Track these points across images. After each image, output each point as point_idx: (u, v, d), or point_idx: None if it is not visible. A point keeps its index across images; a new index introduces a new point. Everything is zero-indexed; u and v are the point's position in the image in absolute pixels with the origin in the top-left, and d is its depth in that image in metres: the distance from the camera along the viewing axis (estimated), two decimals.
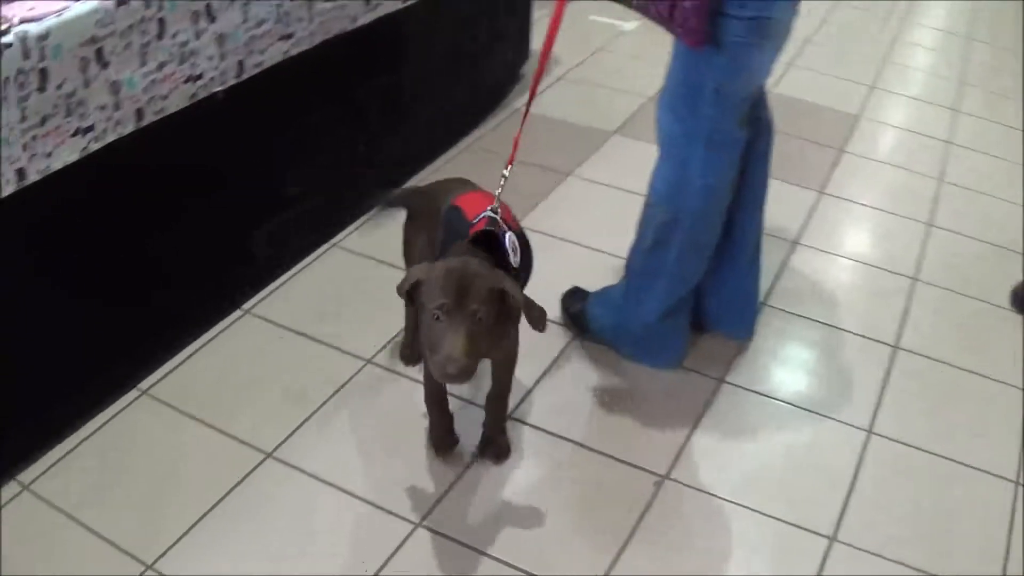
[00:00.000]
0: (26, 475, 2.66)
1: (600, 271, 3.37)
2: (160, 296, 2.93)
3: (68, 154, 2.47)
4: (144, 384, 2.95)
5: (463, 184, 2.73)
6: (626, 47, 5.23)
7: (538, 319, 2.31)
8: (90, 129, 2.50)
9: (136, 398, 2.91)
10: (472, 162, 4.00)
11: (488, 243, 2.42)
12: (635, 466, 2.79)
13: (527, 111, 2.64)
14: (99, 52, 2.45)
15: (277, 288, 3.36)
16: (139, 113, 2.61)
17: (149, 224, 2.81)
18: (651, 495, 2.71)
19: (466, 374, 2.15)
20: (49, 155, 2.42)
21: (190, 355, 3.06)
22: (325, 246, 3.57)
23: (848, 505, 2.73)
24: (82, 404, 2.83)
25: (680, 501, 2.71)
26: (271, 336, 3.16)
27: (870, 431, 2.97)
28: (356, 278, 3.42)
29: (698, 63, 2.59)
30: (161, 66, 2.63)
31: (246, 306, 3.26)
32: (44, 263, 2.57)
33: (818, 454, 2.90)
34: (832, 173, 4.32)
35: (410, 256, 2.79)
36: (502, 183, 2.55)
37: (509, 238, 2.43)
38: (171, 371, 3.00)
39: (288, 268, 3.44)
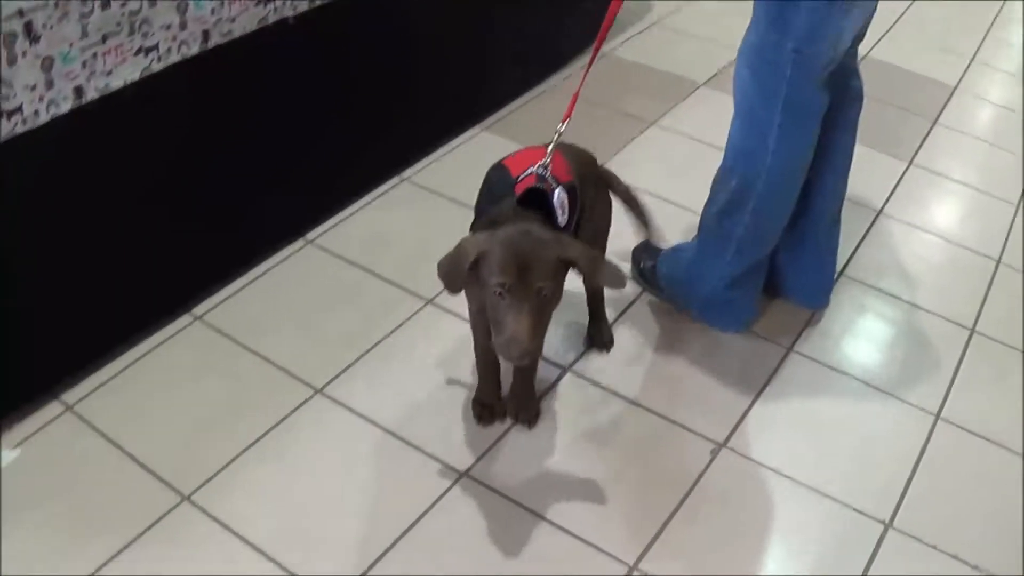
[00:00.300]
0: (70, 395, 2.63)
1: (676, 225, 3.27)
2: (220, 222, 2.88)
3: (129, 73, 2.41)
4: (199, 310, 2.91)
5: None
6: None
7: (615, 278, 2.22)
8: (153, 48, 2.44)
9: (189, 324, 2.87)
10: (553, 107, 3.88)
11: (538, 201, 2.30)
12: (692, 431, 2.71)
13: (588, 67, 2.55)
14: None
15: (342, 220, 3.30)
16: (206, 35, 2.54)
17: (209, 148, 2.75)
18: (706, 463, 2.63)
19: (531, 355, 2.08)
20: (109, 73, 2.37)
21: (248, 283, 3.02)
22: (394, 179, 3.49)
23: (908, 492, 2.63)
24: (134, 326, 2.80)
25: (735, 471, 2.62)
26: (331, 268, 3.10)
27: (938, 416, 2.85)
28: (424, 215, 3.34)
29: (778, 21, 2.47)
30: None
31: (309, 236, 3.19)
32: (103, 181, 2.52)
33: (882, 435, 2.79)
34: (923, 144, 4.14)
35: None
36: (555, 138, 2.45)
37: (558, 195, 2.32)
38: (226, 298, 2.96)
39: (355, 200, 3.37)
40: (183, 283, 2.91)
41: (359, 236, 3.23)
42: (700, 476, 2.59)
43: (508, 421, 2.67)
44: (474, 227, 2.40)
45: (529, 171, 2.34)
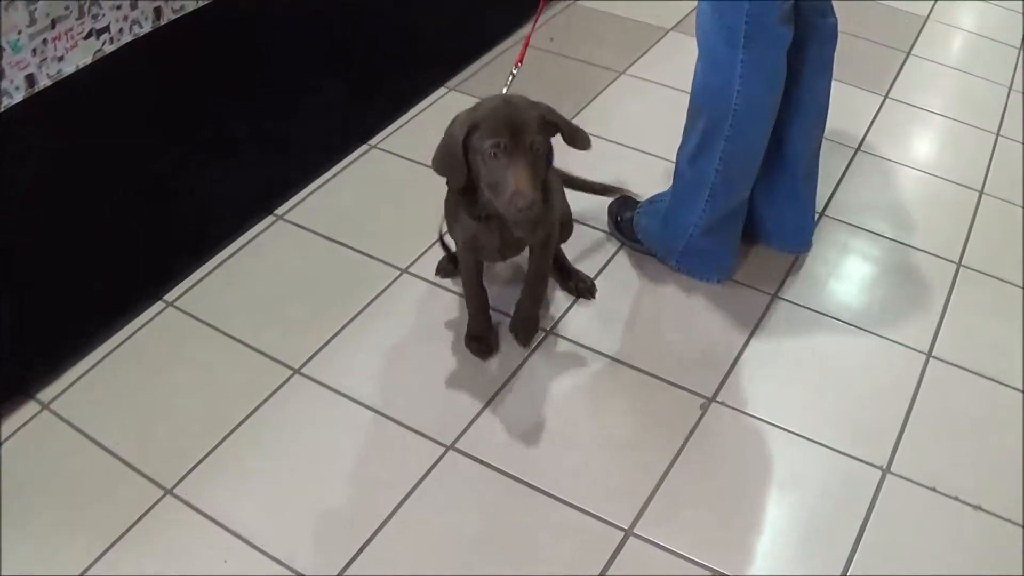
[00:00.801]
0: (45, 393, 2.57)
1: (652, 177, 3.22)
2: (185, 203, 2.81)
3: (81, 57, 2.33)
4: (170, 296, 2.84)
5: None
6: None
7: (584, 139, 2.31)
8: (105, 30, 2.36)
9: (161, 311, 2.81)
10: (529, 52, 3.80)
11: None
12: (680, 387, 2.65)
13: (539, 11, 2.56)
14: None
15: (312, 192, 3.22)
16: (157, 12, 2.46)
17: (169, 127, 2.68)
18: (697, 418, 2.58)
19: (536, 206, 2.14)
20: (61, 59, 2.29)
21: (218, 264, 2.95)
22: (363, 147, 3.42)
23: (903, 435, 2.58)
24: (106, 317, 2.73)
25: (727, 425, 2.58)
26: (302, 243, 3.04)
27: (930, 354, 2.81)
28: (395, 180, 3.28)
29: None
30: None
31: (279, 211, 3.12)
32: (62, 170, 2.45)
33: (875, 378, 2.75)
34: (898, 77, 4.08)
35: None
36: (509, 81, 2.48)
37: None
38: (198, 282, 2.89)
39: (324, 170, 3.30)
40: (153, 269, 2.85)
41: (329, 208, 3.16)
42: (691, 432, 2.54)
43: (495, 386, 2.62)
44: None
45: None
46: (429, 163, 2.30)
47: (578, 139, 2.31)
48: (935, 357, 2.80)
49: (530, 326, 2.73)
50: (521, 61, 2.54)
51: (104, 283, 2.69)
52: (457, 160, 2.23)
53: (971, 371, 2.77)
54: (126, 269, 2.76)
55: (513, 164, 2.15)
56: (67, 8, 2.23)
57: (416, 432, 2.50)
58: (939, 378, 2.74)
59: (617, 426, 2.56)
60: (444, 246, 2.82)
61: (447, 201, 2.53)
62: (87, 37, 2.33)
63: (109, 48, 2.39)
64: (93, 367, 2.64)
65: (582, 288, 2.89)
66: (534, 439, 2.51)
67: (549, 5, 4.11)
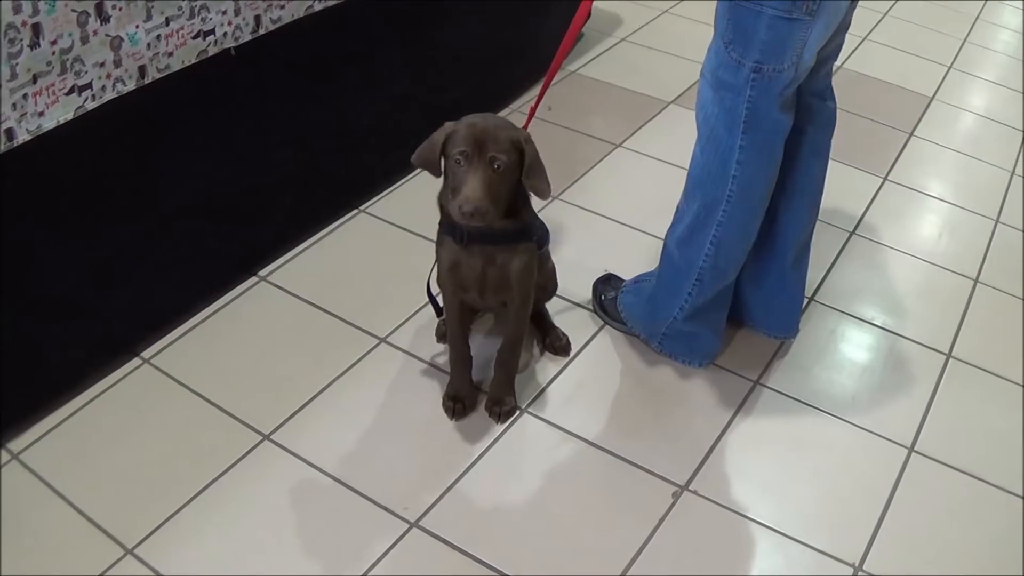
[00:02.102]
0: (16, 444, 2.56)
1: (640, 254, 3.19)
2: (168, 260, 2.80)
3: (62, 113, 2.32)
4: (146, 353, 2.82)
5: None
6: (694, 11, 4.96)
7: (543, 188, 2.42)
8: (87, 87, 2.34)
9: (136, 367, 2.79)
10: (522, 121, 3.78)
11: None
12: (653, 473, 2.61)
13: (547, 81, 2.61)
14: (99, 6, 2.28)
15: (297, 255, 3.21)
16: (142, 70, 2.45)
17: (151, 185, 2.66)
18: (667, 507, 2.53)
19: (481, 214, 2.27)
20: (41, 114, 2.27)
21: (198, 322, 2.93)
22: (352, 212, 3.40)
23: (879, 531, 2.54)
24: (80, 370, 2.72)
25: (699, 516, 2.53)
26: (283, 306, 3.02)
27: (912, 448, 2.77)
28: (381, 247, 3.26)
29: (737, 40, 2.38)
30: (168, 21, 2.46)
31: (262, 272, 3.10)
32: (41, 225, 2.44)
33: (854, 471, 2.70)
34: (899, 158, 4.06)
35: None
36: None
37: None
38: (175, 340, 2.87)
39: (311, 233, 3.29)
40: (130, 325, 2.82)
41: (313, 272, 3.14)
42: (660, 521, 2.50)
43: (467, 462, 2.59)
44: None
45: None
46: (415, 230, 2.28)
47: (538, 182, 2.42)
48: (917, 452, 2.76)
49: (506, 409, 2.72)
50: (525, 128, 2.53)
51: (81, 338, 2.66)
52: (433, 158, 2.37)
53: (953, 467, 2.72)
54: (103, 324, 2.72)
55: (471, 171, 2.28)
56: (48, 64, 2.22)
57: (381, 507, 2.47)
58: (920, 473, 2.70)
59: (586, 511, 2.52)
60: (431, 295, 2.77)
61: (437, 234, 2.56)
62: (69, 93, 2.31)
63: (91, 105, 2.37)
64: (66, 419, 2.62)
65: (557, 346, 2.91)
66: (500, 521, 2.47)
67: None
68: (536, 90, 3.97)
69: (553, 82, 2.54)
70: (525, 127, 2.50)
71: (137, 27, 2.39)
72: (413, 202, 3.39)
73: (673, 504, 2.53)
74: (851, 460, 2.73)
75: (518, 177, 2.38)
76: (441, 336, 2.91)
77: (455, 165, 2.32)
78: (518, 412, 2.73)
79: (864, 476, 2.69)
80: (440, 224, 2.53)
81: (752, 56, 2.37)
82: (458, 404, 2.69)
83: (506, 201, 2.39)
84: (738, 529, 2.50)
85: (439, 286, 2.66)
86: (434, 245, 2.56)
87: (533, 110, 2.63)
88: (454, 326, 2.65)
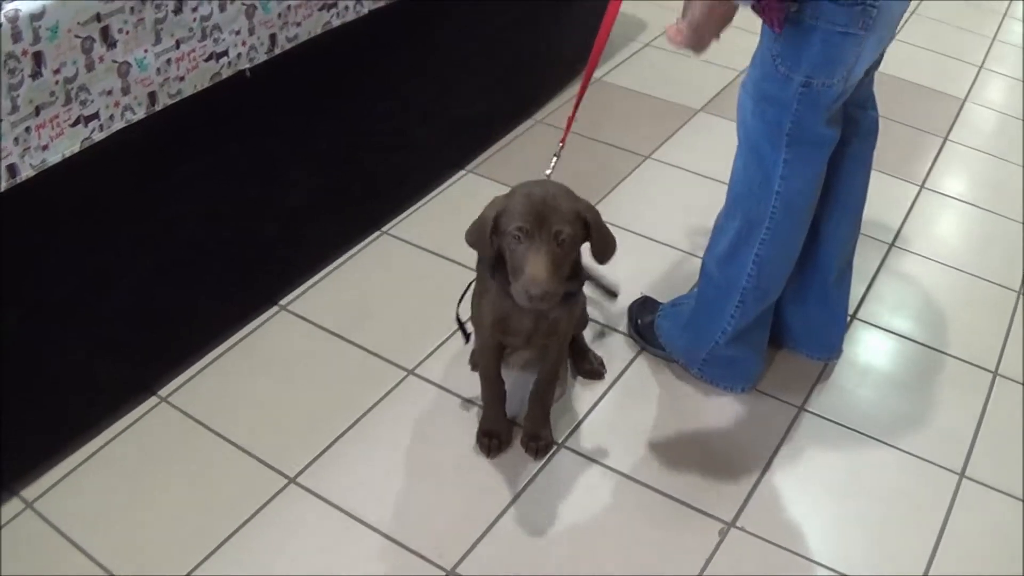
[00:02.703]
0: (29, 491, 2.44)
1: (676, 273, 3.09)
2: (183, 292, 2.69)
3: (68, 146, 2.20)
4: (163, 390, 2.71)
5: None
6: None
7: (610, 253, 2.26)
8: (94, 117, 2.22)
9: (154, 406, 2.67)
10: (534, 143, 3.67)
11: None
12: (698, 509, 2.49)
13: (577, 105, 2.44)
14: (104, 31, 2.16)
15: (318, 281, 3.08)
16: (152, 97, 2.33)
17: (166, 215, 2.55)
18: (714, 545, 2.41)
19: (549, 298, 2.08)
20: (45, 148, 2.15)
21: (216, 357, 2.81)
22: (374, 233, 3.27)
23: (932, 564, 2.41)
24: (96, 411, 2.60)
25: (748, 554, 2.40)
26: (305, 338, 2.89)
27: (962, 475, 2.64)
28: (405, 272, 3.13)
29: (786, 53, 2.25)
30: (178, 44, 2.33)
31: (282, 302, 2.98)
32: (52, 263, 2.33)
33: (904, 500, 2.58)
34: (935, 164, 3.92)
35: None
36: (553, 163, 2.39)
37: None
38: (193, 376, 2.75)
39: (332, 258, 3.15)
40: (146, 362, 2.70)
41: (336, 299, 3.01)
42: (708, 561, 2.37)
43: (502, 504, 2.46)
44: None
45: None
46: (441, 252, 2.13)
47: (606, 252, 2.25)
48: (968, 477, 2.63)
49: (543, 444, 2.59)
50: (563, 142, 2.44)
51: (94, 377, 2.57)
52: (484, 237, 2.18)
53: (1005, 492, 2.60)
54: (118, 363, 2.62)
55: (533, 249, 2.09)
56: (52, 94, 2.09)
57: (414, 553, 2.35)
58: (971, 500, 2.57)
59: (630, 553, 2.39)
60: (460, 323, 2.65)
61: (478, 279, 2.43)
62: (74, 124, 2.19)
63: (99, 136, 2.25)
64: (80, 464, 2.50)
65: (589, 370, 2.80)
66: (539, 566, 2.34)
67: (572, 80, 3.98)
68: (562, 97, 3.89)
69: (577, 91, 2.42)
70: (563, 141, 2.41)
71: (146, 51, 2.27)
72: (438, 222, 3.26)
73: (720, 542, 2.41)
74: (901, 489, 2.60)
75: (580, 247, 2.22)
76: (474, 365, 2.78)
77: (513, 242, 2.12)
78: (555, 447, 2.60)
79: (915, 506, 2.56)
80: (484, 267, 2.37)
81: (803, 71, 2.24)
82: (493, 440, 2.57)
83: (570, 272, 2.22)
84: (790, 567, 2.38)
85: (474, 326, 2.52)
86: (460, 267, 2.41)
87: (570, 121, 2.48)
88: (489, 364, 2.51)
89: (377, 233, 3.26)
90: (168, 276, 2.63)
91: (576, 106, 2.45)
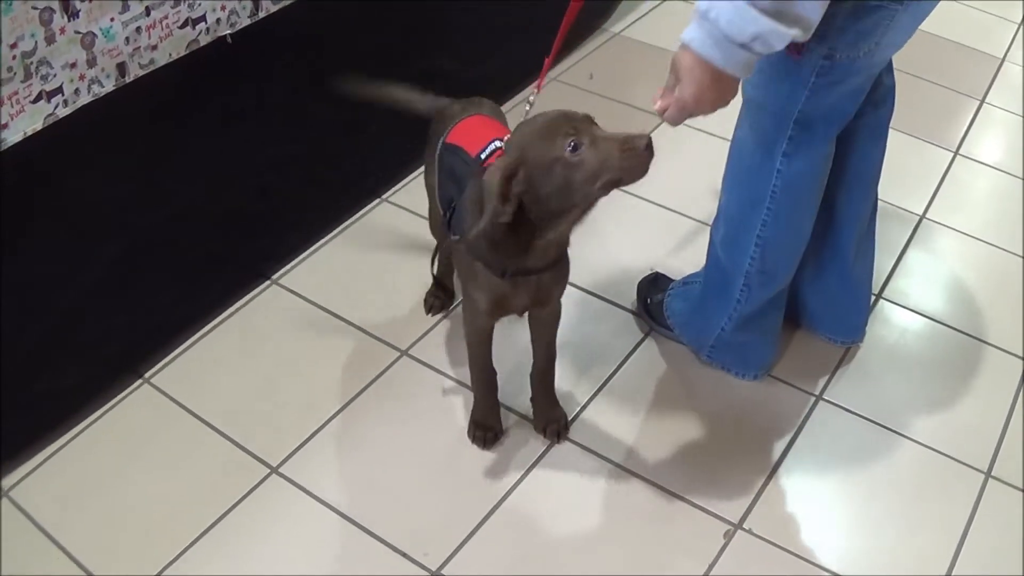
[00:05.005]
0: (7, 480, 2.35)
1: (693, 245, 2.92)
2: (169, 271, 2.57)
3: (29, 123, 2.06)
4: (148, 373, 2.59)
5: (466, 108, 2.37)
6: None
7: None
8: (57, 92, 2.08)
9: (138, 387, 2.56)
10: (561, 93, 3.49)
11: None
12: (703, 509, 2.35)
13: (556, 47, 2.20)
14: (64, 1, 2.02)
15: (313, 252, 2.94)
16: (121, 68, 2.18)
17: (143, 192, 2.43)
18: (719, 548, 2.27)
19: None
20: (5, 127, 2.02)
21: (203, 335, 2.68)
22: (373, 200, 3.12)
23: (955, 566, 2.27)
24: (79, 397, 2.51)
25: (754, 559, 2.26)
26: (295, 314, 2.76)
27: (989, 474, 2.48)
28: (403, 241, 2.98)
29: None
30: (149, 11, 2.19)
31: (275, 276, 2.84)
32: (29, 244, 2.22)
33: (926, 502, 2.42)
34: (970, 128, 3.72)
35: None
36: (527, 111, 2.13)
37: None
38: (179, 355, 2.64)
39: (330, 228, 3.01)
40: (132, 343, 2.61)
41: (330, 272, 2.88)
42: (711, 566, 2.23)
43: (492, 502, 2.33)
44: (450, 220, 2.20)
45: (496, 143, 2.14)
46: None
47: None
48: (994, 477, 2.47)
49: (563, 425, 2.47)
50: (539, 88, 2.23)
51: (76, 358, 2.50)
52: (493, 210, 1.92)
53: None
54: (101, 343, 2.54)
55: (600, 138, 1.91)
56: (10, 70, 1.96)
57: (398, 551, 2.23)
58: (997, 503, 2.42)
59: (628, 555, 2.26)
60: (436, 278, 2.54)
61: (460, 268, 2.29)
62: (36, 100, 2.05)
63: (64, 112, 2.12)
64: (58, 450, 2.40)
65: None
66: (532, 567, 2.22)
67: (588, 35, 3.79)
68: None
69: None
70: (539, 87, 2.21)
71: (112, 20, 2.13)
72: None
73: (725, 545, 2.28)
74: (923, 489, 2.45)
75: None
76: (430, 308, 2.74)
77: (572, 158, 1.89)
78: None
79: (938, 508, 2.41)
80: (472, 251, 2.18)
81: (825, 42, 2.03)
82: (489, 433, 2.44)
83: None
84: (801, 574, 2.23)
85: (467, 314, 2.33)
86: None
87: (547, 63, 2.23)
88: (483, 351, 2.35)
89: (377, 201, 3.11)
90: (147, 253, 2.53)
91: (556, 45, 2.22)
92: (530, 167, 1.91)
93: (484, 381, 2.40)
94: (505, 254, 2.05)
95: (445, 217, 2.23)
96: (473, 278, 2.19)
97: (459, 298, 2.72)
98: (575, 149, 1.89)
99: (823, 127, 2.22)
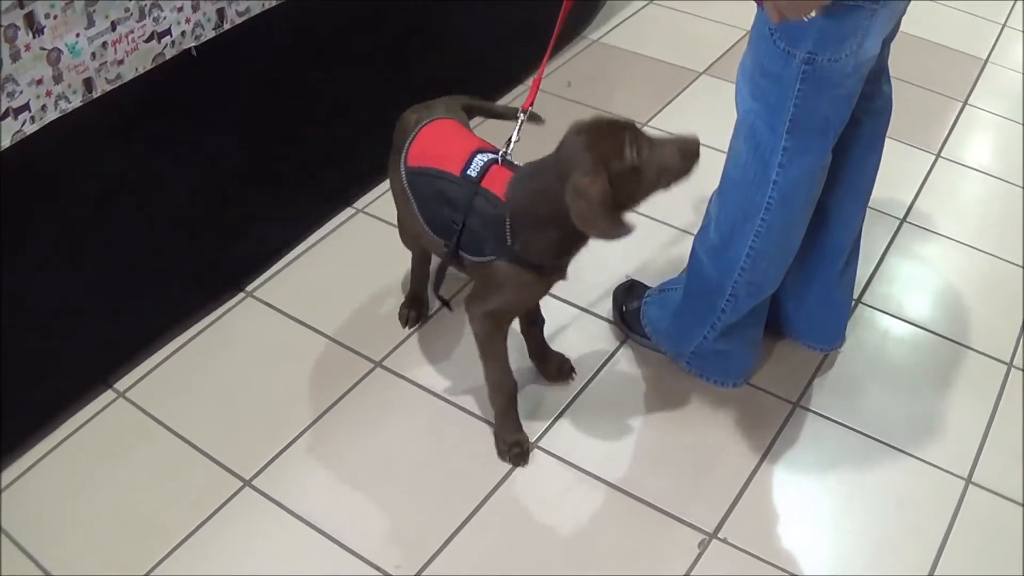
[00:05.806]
0: None
1: (668, 253, 2.92)
2: (140, 280, 2.56)
3: None
4: (121, 384, 2.58)
5: (421, 116, 2.38)
6: None
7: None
8: (24, 108, 2.07)
9: (112, 401, 2.54)
10: (539, 100, 3.47)
11: None
12: (677, 518, 2.33)
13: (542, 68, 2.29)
14: (29, 17, 2.01)
15: (290, 263, 2.93)
16: (88, 83, 2.17)
17: (117, 204, 2.41)
18: (692, 559, 2.25)
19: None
20: None
21: (176, 349, 2.68)
22: (347, 211, 3.10)
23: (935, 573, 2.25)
24: (49, 409, 2.49)
25: (728, 569, 2.24)
26: (269, 326, 2.75)
27: (969, 480, 2.47)
28: (378, 251, 2.96)
29: (786, 27, 2.00)
30: (114, 26, 2.18)
31: (249, 287, 2.83)
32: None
33: (905, 510, 2.41)
34: (952, 131, 3.70)
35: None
36: (518, 125, 2.27)
37: None
38: (152, 369, 2.62)
39: (303, 237, 3.00)
40: (104, 355, 2.59)
41: (304, 283, 2.87)
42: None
43: (468, 509, 2.32)
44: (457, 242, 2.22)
45: (482, 158, 2.21)
46: None
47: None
48: (974, 483, 2.46)
49: (567, 364, 2.61)
50: (531, 104, 2.31)
51: (47, 371, 2.48)
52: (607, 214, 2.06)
53: (1012, 500, 2.43)
54: (72, 355, 2.53)
55: (654, 144, 2.08)
56: None
57: (371, 564, 2.21)
58: (977, 509, 2.40)
59: (599, 567, 2.24)
60: (444, 300, 2.49)
61: (488, 275, 2.25)
62: (2, 118, 2.04)
63: (31, 128, 2.11)
64: (31, 467, 2.39)
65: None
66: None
67: (568, 42, 3.78)
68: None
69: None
70: (529, 103, 2.29)
71: (78, 36, 2.12)
72: None
73: (700, 555, 2.26)
74: (903, 497, 2.43)
75: None
76: (406, 320, 2.72)
77: (634, 160, 2.05)
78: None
79: (917, 516, 2.39)
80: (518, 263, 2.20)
81: (804, 45, 2.02)
82: (524, 447, 2.44)
83: None
84: None
85: (500, 314, 2.31)
86: None
87: (537, 83, 2.31)
88: (503, 360, 2.37)
89: (352, 212, 3.10)
90: (120, 265, 2.51)
91: (546, 57, 2.29)
92: (612, 178, 2.03)
93: (508, 393, 2.39)
94: (558, 251, 2.20)
95: (452, 241, 2.22)
96: (503, 284, 2.22)
97: (433, 308, 2.71)
98: (637, 153, 2.04)
99: (818, 137, 2.20)
